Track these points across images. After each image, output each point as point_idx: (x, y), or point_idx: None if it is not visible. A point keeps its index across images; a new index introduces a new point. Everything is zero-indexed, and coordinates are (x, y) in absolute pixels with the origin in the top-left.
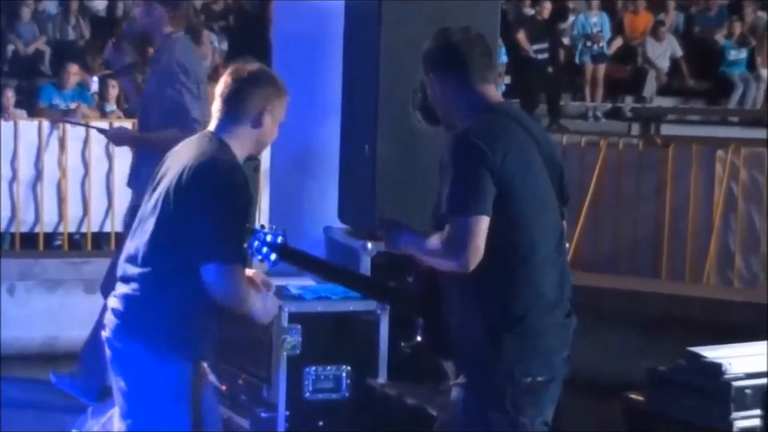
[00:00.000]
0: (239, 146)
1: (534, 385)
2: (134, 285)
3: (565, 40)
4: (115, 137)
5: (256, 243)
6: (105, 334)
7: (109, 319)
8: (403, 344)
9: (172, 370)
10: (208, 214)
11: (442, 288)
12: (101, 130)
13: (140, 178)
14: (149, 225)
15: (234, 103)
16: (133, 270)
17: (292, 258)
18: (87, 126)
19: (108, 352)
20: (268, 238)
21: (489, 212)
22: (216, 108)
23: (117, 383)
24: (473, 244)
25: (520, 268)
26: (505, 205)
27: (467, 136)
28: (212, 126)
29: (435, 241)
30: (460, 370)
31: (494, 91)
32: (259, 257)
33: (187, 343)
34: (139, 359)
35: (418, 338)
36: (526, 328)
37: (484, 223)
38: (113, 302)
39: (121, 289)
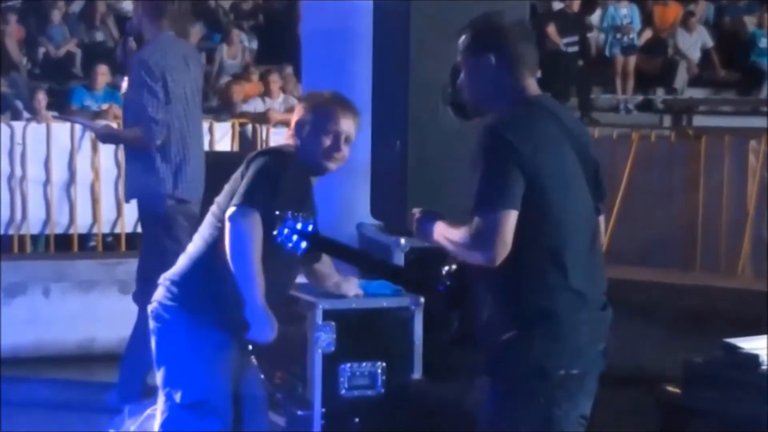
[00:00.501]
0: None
1: (567, 378)
2: (191, 253)
3: (594, 33)
4: (99, 134)
5: (285, 230)
6: (152, 306)
7: (159, 292)
8: (445, 338)
9: (213, 338)
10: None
11: (473, 281)
12: (90, 126)
13: (133, 174)
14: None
15: None
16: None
17: (324, 246)
18: (77, 123)
19: (153, 323)
20: (299, 225)
21: (518, 206)
22: None
23: (159, 352)
24: (501, 239)
25: (550, 262)
26: (535, 200)
27: (498, 129)
28: None
29: (463, 233)
30: (491, 364)
31: (532, 82)
32: (290, 245)
33: (231, 317)
34: (183, 327)
35: (456, 329)
36: (557, 322)
37: (512, 218)
38: (166, 276)
39: (179, 263)
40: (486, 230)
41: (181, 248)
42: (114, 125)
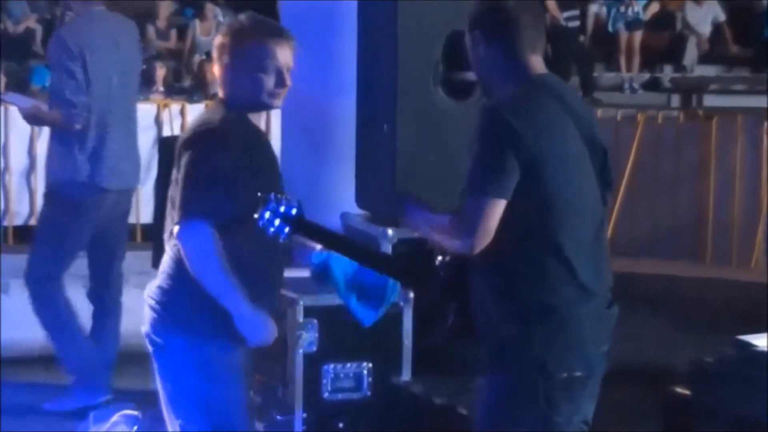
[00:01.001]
0: None
1: (570, 380)
2: (164, 268)
3: (597, 6)
4: (25, 114)
5: (267, 214)
6: (144, 329)
7: (146, 313)
8: (434, 332)
9: (220, 356)
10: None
11: (470, 274)
12: (19, 105)
13: (51, 157)
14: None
15: None
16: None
17: (308, 231)
18: (7, 101)
19: (150, 348)
20: (282, 208)
21: (507, 196)
22: None
23: (163, 383)
24: (483, 227)
25: (552, 255)
26: (536, 188)
27: (499, 112)
28: None
29: (446, 218)
30: (489, 362)
31: (539, 62)
32: (271, 229)
33: (228, 324)
34: (184, 351)
35: (451, 322)
36: (559, 319)
37: (499, 207)
38: (148, 293)
39: (156, 280)
40: (470, 216)
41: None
42: (45, 106)
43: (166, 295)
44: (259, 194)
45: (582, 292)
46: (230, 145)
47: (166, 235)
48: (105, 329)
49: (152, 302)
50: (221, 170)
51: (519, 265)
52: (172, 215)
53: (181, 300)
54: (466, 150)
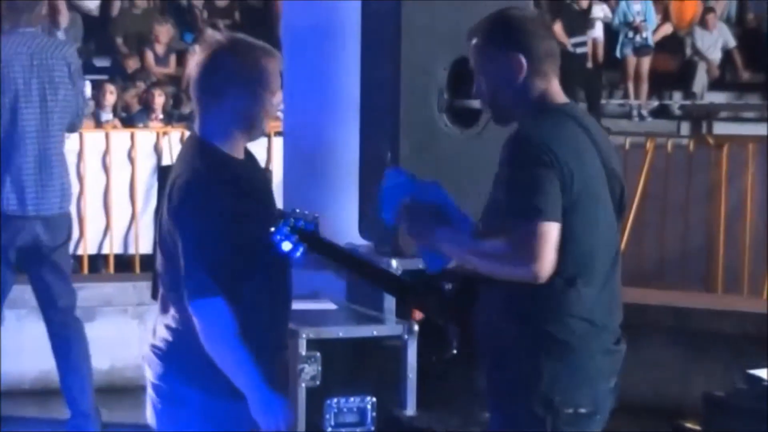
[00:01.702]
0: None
1: (576, 416)
2: (173, 312)
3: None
4: None
5: (287, 229)
6: (148, 377)
7: (150, 359)
8: (435, 359)
9: (233, 410)
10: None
11: (481, 302)
12: None
13: None
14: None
15: None
16: (170, 294)
17: (324, 250)
18: None
19: (154, 396)
20: (300, 224)
21: (560, 219)
22: None
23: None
24: (548, 252)
25: (567, 287)
26: (564, 218)
27: (534, 137)
28: None
29: (498, 243)
30: (494, 394)
31: (557, 86)
32: (288, 246)
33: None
34: (192, 402)
35: (454, 351)
36: (570, 353)
37: (557, 230)
38: (154, 337)
39: (161, 319)
40: (530, 242)
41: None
42: None
43: (175, 338)
44: (277, 210)
45: (594, 326)
46: (225, 191)
47: (163, 285)
48: (65, 358)
49: (158, 346)
50: (222, 223)
51: (532, 296)
52: (165, 265)
53: (191, 344)
54: (498, 179)
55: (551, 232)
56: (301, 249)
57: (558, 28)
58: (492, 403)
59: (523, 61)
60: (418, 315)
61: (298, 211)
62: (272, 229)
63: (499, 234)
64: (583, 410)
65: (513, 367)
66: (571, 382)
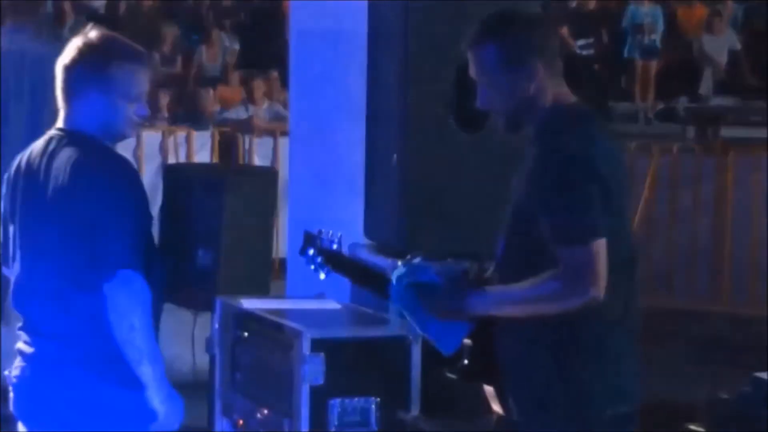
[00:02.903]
0: None
1: (617, 418)
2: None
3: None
4: None
5: (311, 251)
6: (15, 373)
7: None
8: (447, 370)
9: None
10: None
11: (503, 319)
12: None
13: None
14: None
15: None
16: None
17: (348, 270)
18: None
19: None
20: (325, 245)
21: (605, 233)
22: None
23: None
24: (601, 271)
25: (606, 290)
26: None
27: (574, 149)
28: None
29: (544, 282)
30: (526, 412)
31: (565, 84)
32: (312, 266)
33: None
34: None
35: (465, 362)
36: (603, 354)
37: (602, 247)
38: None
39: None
40: (583, 266)
41: None
42: None
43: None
44: (305, 231)
45: (624, 324)
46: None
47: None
48: None
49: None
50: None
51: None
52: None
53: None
54: (535, 193)
55: (599, 250)
56: (326, 270)
57: (565, 31)
58: (524, 422)
59: (539, 65)
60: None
61: (323, 231)
62: (299, 251)
63: (535, 267)
64: (622, 410)
65: (544, 379)
66: (608, 382)
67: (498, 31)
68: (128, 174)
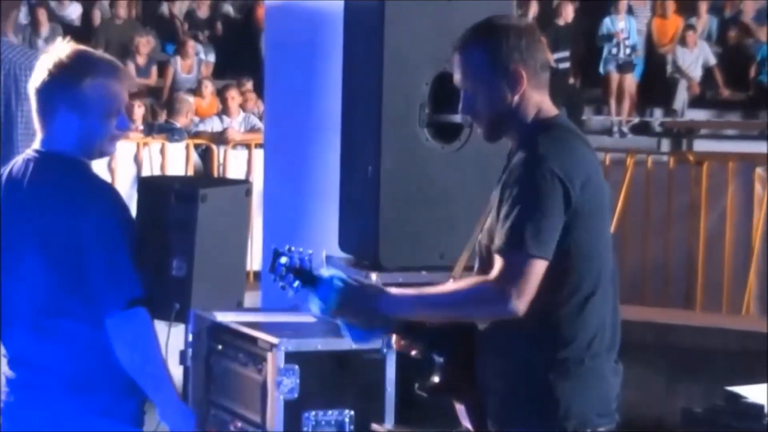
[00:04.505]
0: None
1: None
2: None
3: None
4: None
5: (283, 270)
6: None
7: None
8: (417, 387)
9: None
10: None
11: (483, 335)
12: None
13: None
14: None
15: None
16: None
17: (314, 285)
18: None
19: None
20: (295, 263)
21: (551, 256)
22: None
23: None
24: (531, 289)
25: (583, 305)
26: (577, 238)
27: (545, 161)
28: None
29: (470, 285)
30: (502, 421)
31: (548, 98)
32: (282, 284)
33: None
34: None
35: (436, 379)
36: (585, 371)
37: (542, 268)
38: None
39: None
40: (514, 275)
41: None
42: None
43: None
44: (274, 249)
45: (604, 343)
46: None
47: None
48: None
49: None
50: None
51: (548, 315)
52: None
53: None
54: (504, 199)
55: (536, 267)
56: (296, 285)
57: None
58: (501, 426)
59: (523, 74)
60: (400, 343)
61: (292, 248)
62: (268, 268)
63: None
64: (601, 429)
65: (526, 391)
66: (588, 402)
67: (486, 35)
68: (112, 198)
